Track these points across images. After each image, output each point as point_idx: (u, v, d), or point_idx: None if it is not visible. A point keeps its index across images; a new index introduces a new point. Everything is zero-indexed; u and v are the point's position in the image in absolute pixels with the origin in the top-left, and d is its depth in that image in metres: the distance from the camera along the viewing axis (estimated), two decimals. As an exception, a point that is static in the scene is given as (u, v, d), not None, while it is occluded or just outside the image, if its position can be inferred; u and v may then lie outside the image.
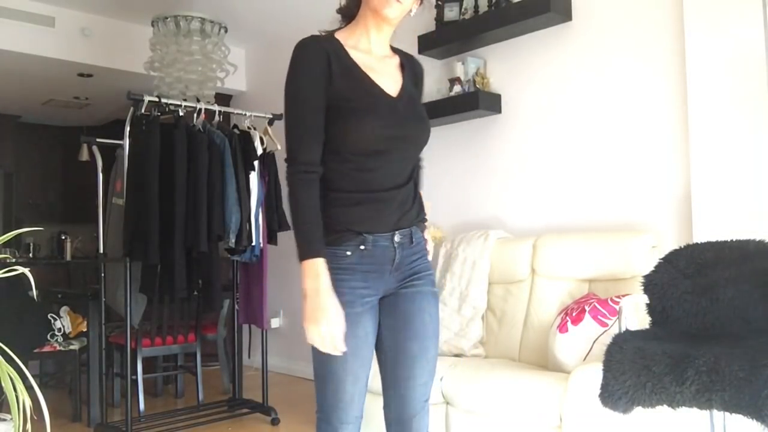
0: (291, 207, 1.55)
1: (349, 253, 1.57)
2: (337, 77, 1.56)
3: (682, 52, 2.96)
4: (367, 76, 1.60)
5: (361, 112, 1.56)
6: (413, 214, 1.66)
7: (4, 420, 2.33)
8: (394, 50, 1.73)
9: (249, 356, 4.60)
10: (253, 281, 3.93)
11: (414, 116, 1.66)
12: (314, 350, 1.55)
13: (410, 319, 1.65)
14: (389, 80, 1.64)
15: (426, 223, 1.75)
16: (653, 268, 2.27)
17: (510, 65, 3.72)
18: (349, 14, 1.69)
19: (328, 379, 1.59)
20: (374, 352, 1.66)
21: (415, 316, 1.65)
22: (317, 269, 1.49)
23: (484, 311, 3.28)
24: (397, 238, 1.61)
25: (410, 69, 1.73)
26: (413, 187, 1.69)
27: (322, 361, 1.57)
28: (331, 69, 1.55)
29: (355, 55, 1.61)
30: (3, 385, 1.71)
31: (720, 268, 2.11)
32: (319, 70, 1.55)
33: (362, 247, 1.57)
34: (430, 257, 1.75)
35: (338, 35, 1.64)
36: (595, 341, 2.60)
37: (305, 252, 1.50)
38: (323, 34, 1.68)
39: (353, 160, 1.57)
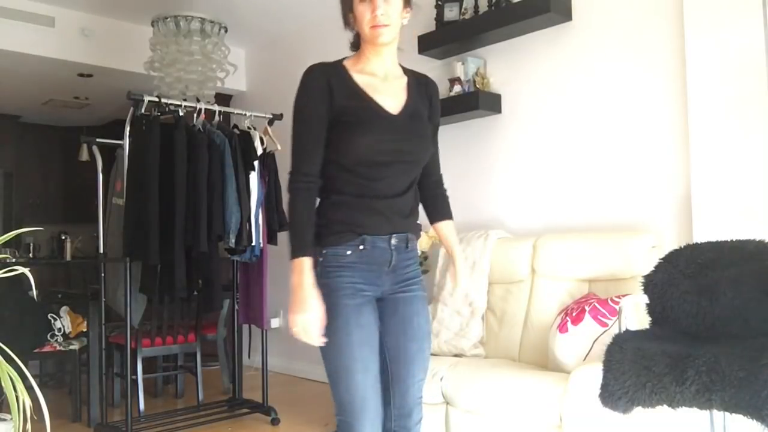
0: (289, 212, 1.73)
1: (349, 252, 1.72)
2: (338, 96, 1.72)
3: (682, 52, 2.96)
4: (367, 95, 1.75)
5: (360, 127, 1.72)
6: (410, 221, 1.81)
7: (4, 420, 2.34)
8: (406, 71, 1.88)
9: (249, 356, 4.59)
10: (253, 281, 3.94)
11: (414, 133, 1.80)
12: (324, 350, 1.71)
13: (409, 321, 1.80)
14: (392, 99, 1.78)
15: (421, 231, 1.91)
16: (653, 268, 2.28)
17: (510, 65, 3.72)
18: (357, 46, 1.85)
19: (340, 374, 1.70)
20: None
21: (413, 319, 1.81)
22: (302, 267, 1.67)
23: (484, 311, 3.28)
24: (393, 241, 1.75)
25: (419, 89, 1.87)
26: (412, 196, 1.82)
27: (331, 357, 1.71)
28: (332, 89, 1.73)
29: (359, 78, 1.77)
30: (3, 385, 1.71)
31: (720, 268, 2.11)
32: (319, 91, 1.73)
33: (361, 247, 1.72)
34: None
35: (346, 61, 1.81)
36: (595, 341, 2.60)
37: (295, 251, 1.69)
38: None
39: (356, 170, 1.72)
